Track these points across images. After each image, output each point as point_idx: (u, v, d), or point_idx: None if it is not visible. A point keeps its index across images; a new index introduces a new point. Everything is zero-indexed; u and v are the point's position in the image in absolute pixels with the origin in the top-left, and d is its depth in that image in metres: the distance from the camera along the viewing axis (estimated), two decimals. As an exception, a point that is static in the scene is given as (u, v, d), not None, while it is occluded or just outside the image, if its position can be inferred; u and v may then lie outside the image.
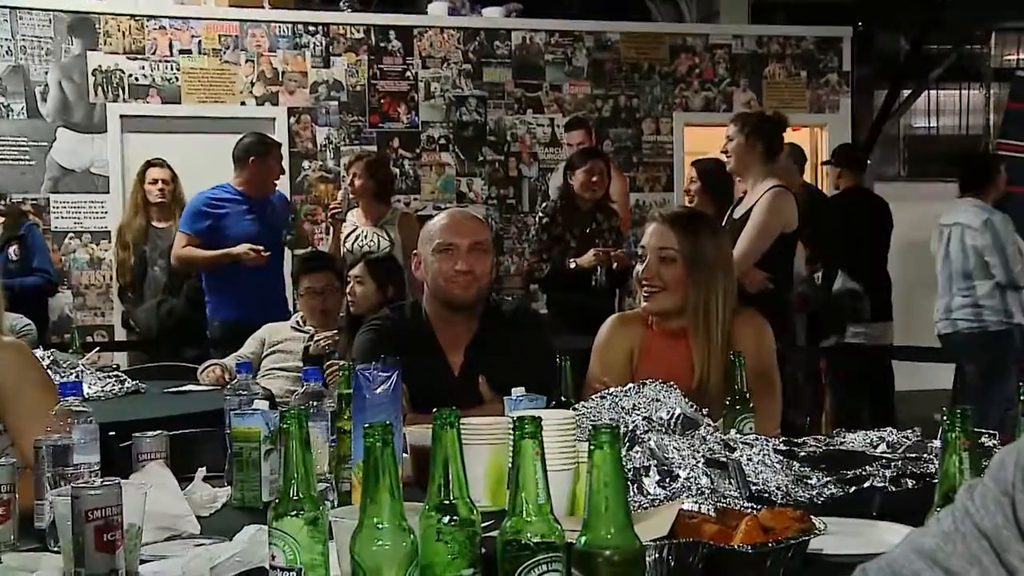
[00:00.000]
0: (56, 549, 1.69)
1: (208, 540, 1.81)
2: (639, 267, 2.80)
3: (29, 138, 6.70)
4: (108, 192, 6.85)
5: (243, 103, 7.09)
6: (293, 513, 1.33)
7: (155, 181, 5.74)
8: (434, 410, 1.30)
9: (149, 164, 5.79)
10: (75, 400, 1.89)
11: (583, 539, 1.20)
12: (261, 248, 5.14)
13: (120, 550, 1.51)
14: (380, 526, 1.22)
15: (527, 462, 1.24)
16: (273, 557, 1.34)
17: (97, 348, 5.09)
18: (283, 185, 6.81)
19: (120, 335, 6.51)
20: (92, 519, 1.48)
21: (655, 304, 2.77)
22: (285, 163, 6.86)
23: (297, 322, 4.68)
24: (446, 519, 1.27)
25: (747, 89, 7.92)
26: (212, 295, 5.35)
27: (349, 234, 5.51)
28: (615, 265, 5.38)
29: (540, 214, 5.76)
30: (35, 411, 2.04)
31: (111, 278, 6.65)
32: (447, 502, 1.27)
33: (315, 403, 2.14)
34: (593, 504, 1.20)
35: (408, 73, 7.34)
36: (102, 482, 1.54)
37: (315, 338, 4.54)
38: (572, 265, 5.38)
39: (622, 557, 1.19)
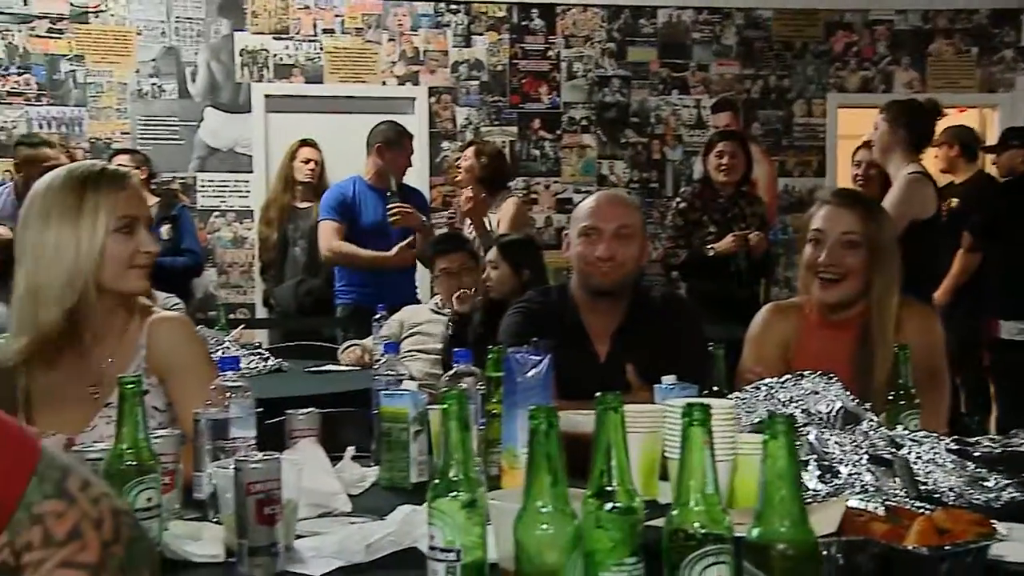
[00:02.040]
0: (215, 520, 1.72)
1: (359, 518, 1.81)
2: (810, 252, 2.67)
3: (179, 117, 6.91)
4: (252, 171, 6.99)
5: (384, 83, 7.14)
6: (451, 494, 1.32)
7: (307, 160, 5.82)
8: (597, 394, 1.27)
9: (303, 143, 5.87)
10: (233, 375, 1.92)
11: (755, 531, 1.16)
12: (401, 215, 5.17)
13: (279, 523, 1.52)
14: (544, 510, 1.20)
15: (696, 450, 1.20)
16: (432, 537, 1.33)
17: (243, 325, 5.20)
18: (422, 166, 6.90)
19: (261, 313, 6.65)
20: (253, 492, 1.50)
21: (833, 294, 2.64)
22: (425, 144, 7.01)
23: (436, 304, 4.70)
24: (608, 506, 1.24)
25: (909, 68, 7.56)
26: (342, 278, 5.41)
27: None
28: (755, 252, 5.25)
29: (678, 199, 5.65)
30: (197, 384, 2.07)
31: (253, 256, 6.80)
32: (609, 489, 1.25)
33: (464, 386, 2.13)
34: (767, 495, 1.16)
35: (550, 52, 7.27)
36: (263, 456, 1.55)
37: (345, 347, 4.58)
38: (710, 252, 5.26)
39: (797, 551, 1.14)
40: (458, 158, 6.61)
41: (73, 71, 6.79)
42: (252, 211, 6.83)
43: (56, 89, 6.78)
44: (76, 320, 2.13)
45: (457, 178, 5.56)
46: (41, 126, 6.72)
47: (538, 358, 1.97)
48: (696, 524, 1.19)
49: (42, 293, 2.11)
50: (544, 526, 1.20)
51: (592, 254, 2.76)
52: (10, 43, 6.74)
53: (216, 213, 6.99)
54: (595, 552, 1.24)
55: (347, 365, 4.45)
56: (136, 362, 2.19)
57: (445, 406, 1.34)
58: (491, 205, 5.43)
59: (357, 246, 5.27)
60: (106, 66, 6.82)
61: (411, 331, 4.66)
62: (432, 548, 1.33)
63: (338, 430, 2.59)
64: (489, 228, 5.30)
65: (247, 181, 6.99)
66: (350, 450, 2.16)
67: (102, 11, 6.82)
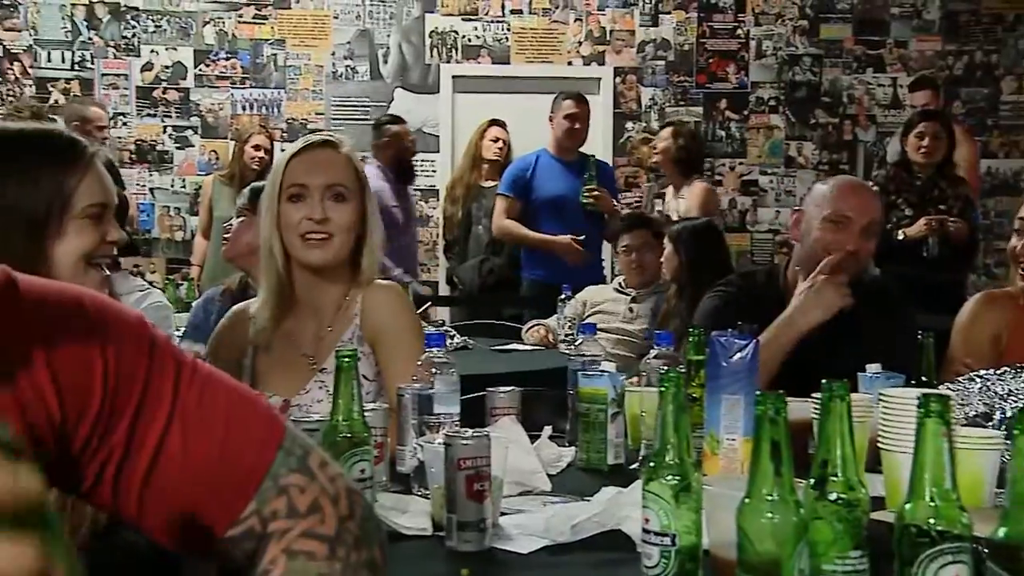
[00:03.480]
0: (419, 493, 1.75)
1: (558, 498, 1.81)
2: (1013, 241, 2.55)
3: (370, 99, 7.07)
4: (438, 151, 7.10)
5: (570, 63, 7.13)
6: (665, 478, 1.30)
7: (496, 139, 5.89)
8: (823, 382, 1.24)
9: (492, 122, 5.94)
10: (439, 351, 1.94)
11: (1002, 531, 1.10)
12: (581, 241, 5.18)
13: (488, 500, 1.53)
14: (770, 498, 1.17)
15: (932, 443, 1.15)
16: (647, 520, 1.32)
17: (428, 303, 5.29)
18: (606, 147, 6.87)
19: (444, 291, 6.75)
20: (464, 468, 1.51)
21: None
22: (608, 124, 6.97)
23: (619, 284, 4.68)
24: (832, 496, 1.21)
25: None
26: (529, 254, 5.44)
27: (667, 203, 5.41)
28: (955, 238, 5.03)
29: (871, 182, 5.45)
30: (407, 356, 2.10)
31: (437, 235, 6.91)
32: (833, 479, 1.21)
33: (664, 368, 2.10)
34: (1017, 493, 1.09)
35: (739, 31, 7.13)
36: (473, 433, 1.57)
37: (529, 327, 4.57)
38: (900, 236, 5.06)
39: (1051, 552, 1.08)
40: (644, 139, 6.61)
41: (274, 55, 7.06)
42: (437, 190, 6.94)
43: (258, 72, 7.06)
44: (285, 284, 2.21)
45: (652, 158, 5.51)
46: (244, 108, 7.01)
47: (744, 342, 1.92)
48: (931, 520, 1.13)
49: (262, 254, 2.22)
50: (770, 515, 1.16)
51: (837, 245, 2.58)
52: (220, 30, 7.04)
53: (403, 192, 7.12)
54: (817, 544, 1.21)
55: (531, 344, 4.48)
56: (351, 330, 2.22)
57: (663, 388, 1.33)
58: (682, 187, 5.38)
59: (532, 219, 5.31)
60: (304, 49, 7.06)
61: (593, 310, 4.66)
62: (646, 531, 1.32)
63: (530, 409, 2.59)
64: (678, 212, 5.25)
65: (433, 160, 7.10)
66: (547, 429, 2.16)
67: (303, -4, 7.08)
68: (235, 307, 2.39)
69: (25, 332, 0.88)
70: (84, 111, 5.81)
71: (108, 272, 1.66)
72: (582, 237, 5.22)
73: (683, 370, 2.12)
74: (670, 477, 1.30)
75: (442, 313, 6.25)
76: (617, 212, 5.33)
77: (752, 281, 2.84)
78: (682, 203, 5.33)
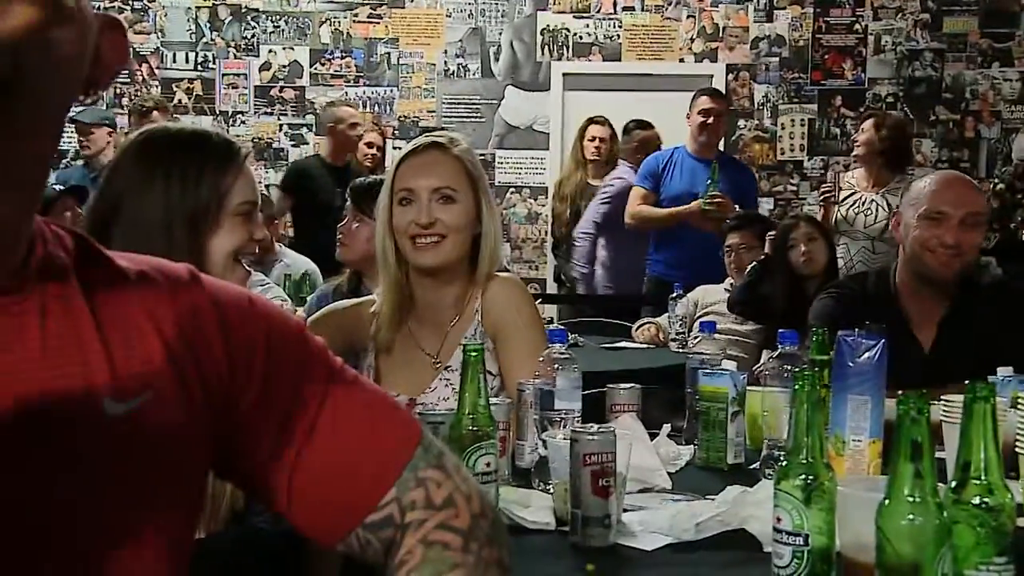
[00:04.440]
0: (541, 488, 1.75)
1: (678, 496, 1.80)
2: None
3: (481, 96, 7.13)
4: (548, 149, 7.11)
5: (681, 60, 7.07)
6: (798, 477, 1.29)
7: (593, 138, 5.88)
8: (966, 382, 1.20)
9: (591, 121, 5.93)
10: (560, 347, 1.94)
11: None
12: (716, 206, 5.08)
13: (612, 496, 1.53)
14: (911, 499, 1.14)
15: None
16: (778, 520, 1.30)
17: (539, 299, 5.31)
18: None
19: (551, 289, 6.76)
20: (589, 463, 1.51)
21: None
22: (721, 122, 6.88)
23: (730, 285, 4.63)
24: (974, 500, 1.17)
25: None
26: (655, 249, 5.40)
27: (847, 196, 5.10)
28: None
29: (996, 179, 5.29)
30: (525, 348, 2.11)
31: (546, 232, 6.92)
32: (976, 482, 1.18)
33: (788, 367, 2.07)
34: None
35: (857, 26, 6.97)
36: (599, 428, 1.56)
37: (639, 325, 4.56)
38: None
39: None
40: (756, 137, 6.50)
41: (388, 53, 7.16)
42: (546, 188, 6.95)
43: (372, 71, 7.17)
44: (404, 285, 2.22)
45: (854, 152, 5.29)
46: (356, 106, 7.12)
47: (871, 343, 1.88)
48: (1083, 528, 1.10)
49: (378, 258, 2.24)
50: (911, 516, 1.14)
51: (935, 240, 2.57)
52: (336, 29, 7.18)
53: (512, 189, 7.16)
54: (957, 547, 1.18)
55: (641, 342, 4.46)
56: (473, 327, 2.22)
57: (796, 387, 1.31)
58: (891, 183, 5.07)
59: None
60: (417, 48, 7.15)
61: (705, 310, 4.61)
62: (778, 531, 1.30)
63: (646, 406, 2.58)
64: (889, 209, 4.95)
65: (543, 158, 7.11)
66: (666, 427, 2.14)
67: (417, -6, 7.16)
68: (354, 301, 2.41)
69: (206, 309, 0.98)
70: (338, 112, 5.93)
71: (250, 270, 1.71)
72: (714, 197, 5.11)
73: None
74: (802, 477, 1.28)
75: (550, 311, 6.28)
76: None
77: (863, 282, 2.80)
78: (893, 200, 4.91)
